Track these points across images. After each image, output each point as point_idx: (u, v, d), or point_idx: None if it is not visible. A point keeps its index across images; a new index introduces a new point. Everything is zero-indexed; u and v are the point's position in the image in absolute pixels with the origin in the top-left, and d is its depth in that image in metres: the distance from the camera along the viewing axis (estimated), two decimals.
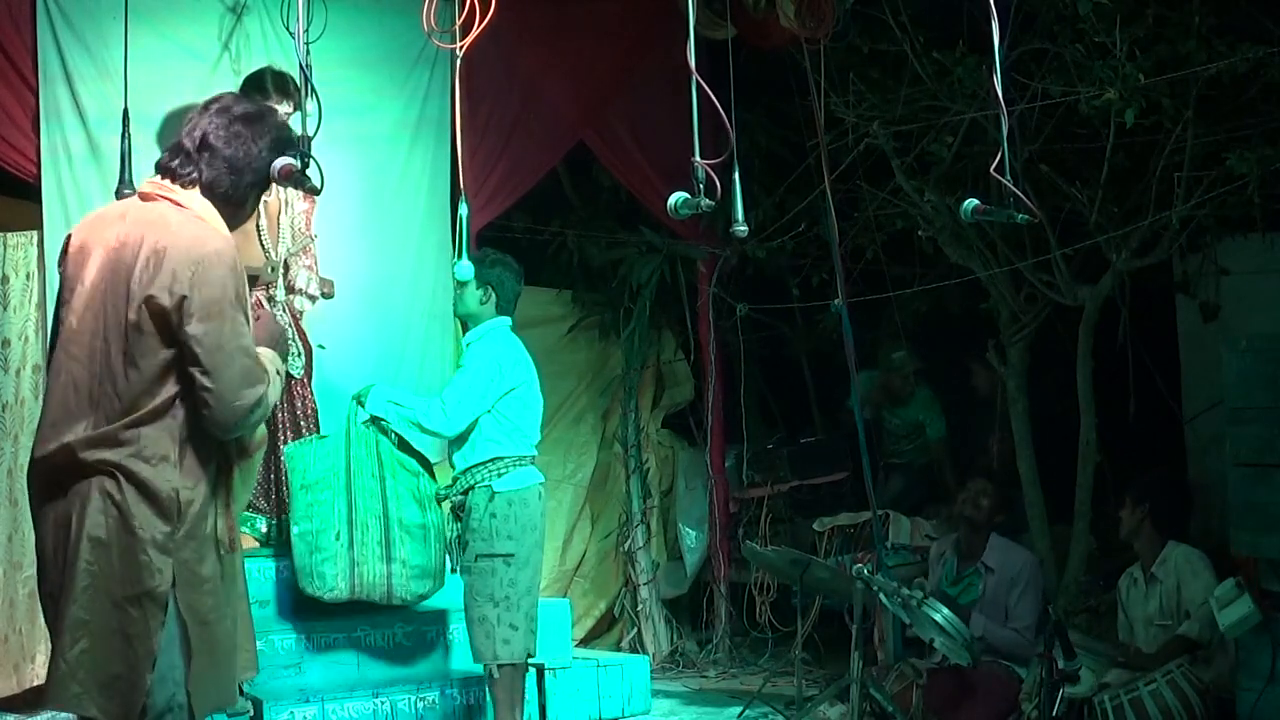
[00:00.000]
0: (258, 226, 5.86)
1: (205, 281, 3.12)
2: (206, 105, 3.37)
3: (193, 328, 3.11)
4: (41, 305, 5.90)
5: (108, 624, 3.11)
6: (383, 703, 5.48)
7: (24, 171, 5.92)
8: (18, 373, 5.92)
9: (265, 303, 5.85)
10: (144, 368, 3.13)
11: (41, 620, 5.65)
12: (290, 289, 5.94)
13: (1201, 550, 5.44)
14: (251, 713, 5.30)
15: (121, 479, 3.11)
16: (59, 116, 5.92)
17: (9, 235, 5.96)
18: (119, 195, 5.53)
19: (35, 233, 5.94)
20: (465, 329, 5.52)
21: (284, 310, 5.90)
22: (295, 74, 5.61)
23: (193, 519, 3.17)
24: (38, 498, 3.24)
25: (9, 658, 5.78)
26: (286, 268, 5.93)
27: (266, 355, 3.32)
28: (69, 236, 3.34)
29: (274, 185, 5.75)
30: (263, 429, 3.42)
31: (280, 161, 3.32)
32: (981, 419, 7.54)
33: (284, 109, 5.68)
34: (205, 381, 3.12)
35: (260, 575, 5.63)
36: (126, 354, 3.13)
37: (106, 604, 3.11)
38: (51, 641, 3.18)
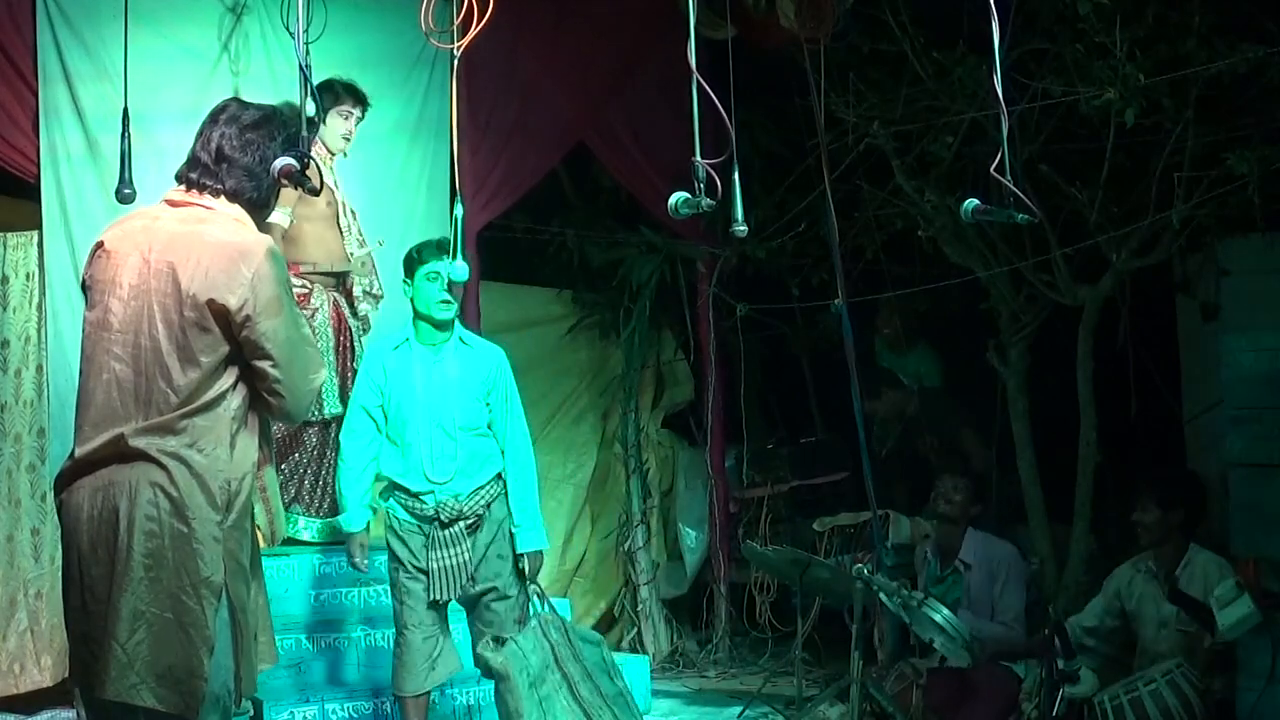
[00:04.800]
0: (339, 225, 5.92)
1: (264, 280, 3.26)
2: (215, 116, 3.44)
3: (261, 325, 3.25)
4: (41, 306, 5.91)
5: (164, 614, 3.19)
6: (383, 703, 5.48)
7: (24, 171, 5.92)
8: (18, 373, 5.93)
9: (341, 306, 6.02)
10: (205, 364, 3.25)
11: (44, 622, 5.76)
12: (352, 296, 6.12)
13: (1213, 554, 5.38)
14: (252, 713, 5.30)
15: (173, 470, 3.21)
16: (58, 117, 5.93)
17: (9, 235, 5.97)
18: (119, 195, 5.55)
19: (35, 233, 5.95)
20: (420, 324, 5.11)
21: (350, 313, 6.03)
22: (296, 75, 5.65)
23: (239, 509, 3.30)
24: (71, 492, 3.28)
25: (9, 658, 5.79)
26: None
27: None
28: (100, 241, 3.40)
29: (340, 187, 5.94)
30: None
31: (280, 162, 3.38)
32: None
33: (357, 111, 5.97)
34: (277, 374, 3.28)
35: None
36: (183, 350, 3.24)
37: (163, 595, 3.19)
38: (90, 635, 3.22)
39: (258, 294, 3.24)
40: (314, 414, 5.80)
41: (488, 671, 4.94)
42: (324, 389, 5.66)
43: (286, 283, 3.34)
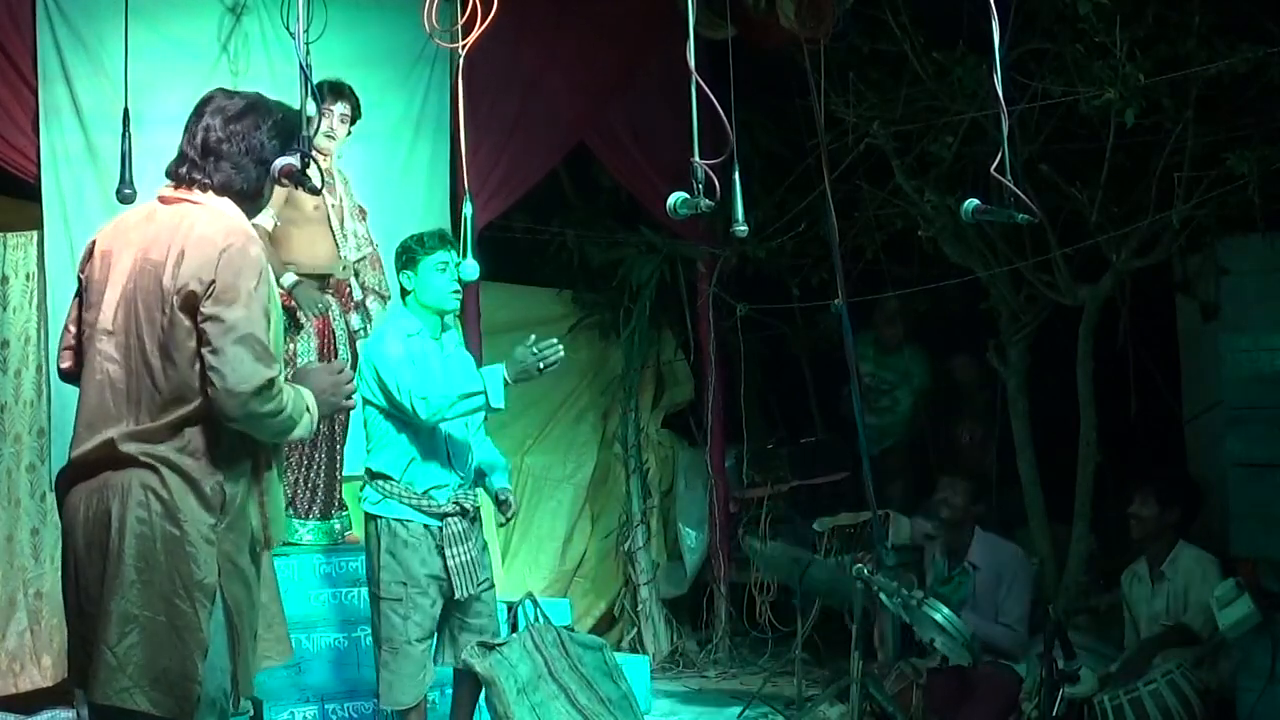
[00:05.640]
0: (330, 227, 5.90)
1: (228, 268, 3.17)
2: (200, 109, 3.39)
3: (207, 308, 3.16)
4: (42, 306, 5.91)
5: (156, 617, 3.16)
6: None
7: (24, 172, 5.92)
8: (18, 374, 5.93)
9: (334, 319, 5.92)
10: (179, 360, 3.18)
11: (44, 622, 5.76)
12: (364, 289, 6.05)
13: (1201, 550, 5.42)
14: (252, 713, 5.30)
15: (164, 473, 3.17)
16: (58, 116, 5.93)
17: (9, 235, 5.98)
18: (119, 195, 5.54)
19: (35, 233, 5.95)
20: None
21: (340, 316, 5.95)
22: (296, 75, 5.64)
23: (234, 511, 3.26)
24: (69, 495, 3.27)
25: (9, 658, 5.79)
26: (356, 272, 6.05)
27: (307, 395, 3.34)
28: (93, 241, 3.38)
29: (339, 189, 5.89)
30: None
31: (281, 161, 3.35)
32: (959, 410, 7.54)
33: (340, 108, 5.85)
34: (212, 360, 3.16)
35: None
36: (163, 348, 3.19)
37: (155, 598, 3.16)
38: (86, 637, 3.20)
39: (221, 279, 3.16)
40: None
41: (472, 677, 4.91)
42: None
43: (257, 283, 3.20)
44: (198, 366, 3.19)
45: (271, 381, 3.18)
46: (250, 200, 3.40)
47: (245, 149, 3.33)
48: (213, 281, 3.16)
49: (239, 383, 3.14)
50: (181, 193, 3.35)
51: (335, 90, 5.87)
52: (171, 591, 3.16)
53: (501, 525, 5.00)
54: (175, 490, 3.17)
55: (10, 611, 5.82)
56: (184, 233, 3.24)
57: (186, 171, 3.34)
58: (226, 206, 3.33)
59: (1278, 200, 5.64)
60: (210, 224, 3.26)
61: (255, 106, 3.39)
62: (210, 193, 3.33)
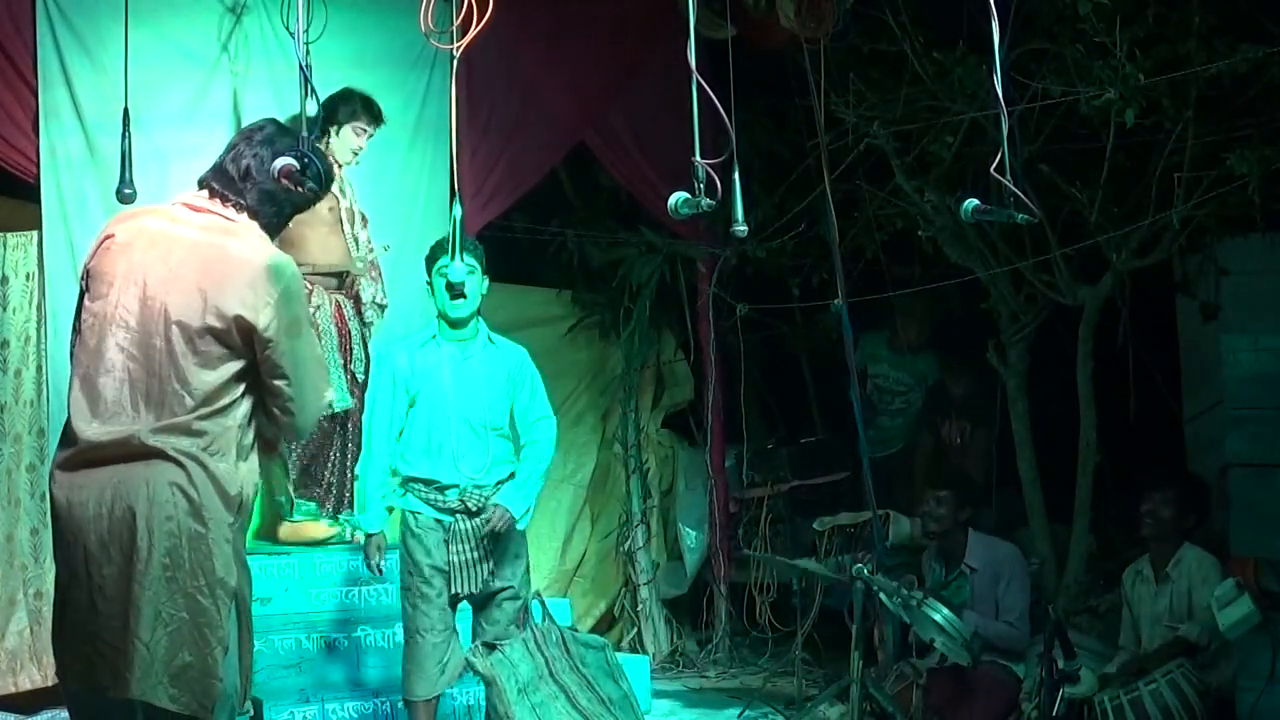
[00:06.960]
0: (341, 229, 5.92)
1: (289, 301, 3.30)
2: (250, 134, 3.45)
3: (281, 345, 3.28)
4: (41, 306, 5.91)
5: (179, 614, 3.21)
6: (383, 702, 5.48)
7: (24, 172, 5.92)
8: (17, 374, 5.93)
9: (348, 317, 5.99)
10: (222, 370, 3.26)
11: (44, 622, 5.75)
12: (359, 300, 6.10)
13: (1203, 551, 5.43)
14: (251, 713, 5.30)
15: (192, 470, 3.22)
16: (58, 117, 5.93)
17: (9, 235, 5.98)
18: (119, 195, 5.54)
19: (35, 233, 5.95)
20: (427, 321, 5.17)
21: (354, 315, 6.02)
22: (296, 76, 5.65)
23: (247, 512, 3.36)
24: (73, 490, 3.26)
25: (8, 657, 5.79)
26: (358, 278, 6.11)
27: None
28: (110, 233, 3.38)
29: (349, 192, 5.92)
30: None
31: (280, 162, 3.36)
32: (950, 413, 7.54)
33: (371, 130, 5.94)
34: (289, 392, 3.31)
35: (261, 572, 5.64)
36: (200, 355, 3.26)
37: (179, 595, 3.21)
38: (101, 634, 3.21)
39: (282, 315, 3.27)
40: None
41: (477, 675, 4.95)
42: (334, 384, 5.68)
43: (306, 302, 3.43)
44: (239, 381, 3.29)
45: (332, 395, 3.34)
46: (273, 229, 3.47)
47: (284, 190, 3.40)
48: (274, 319, 3.25)
49: (314, 406, 3.38)
50: (214, 205, 3.38)
51: (371, 111, 5.92)
52: (195, 589, 3.21)
53: (486, 531, 4.94)
54: (202, 489, 3.22)
55: (10, 611, 5.82)
56: (226, 250, 3.30)
57: (223, 188, 3.39)
58: (259, 231, 3.39)
59: (1278, 200, 5.64)
60: (255, 249, 3.33)
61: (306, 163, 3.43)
62: (244, 214, 3.38)
